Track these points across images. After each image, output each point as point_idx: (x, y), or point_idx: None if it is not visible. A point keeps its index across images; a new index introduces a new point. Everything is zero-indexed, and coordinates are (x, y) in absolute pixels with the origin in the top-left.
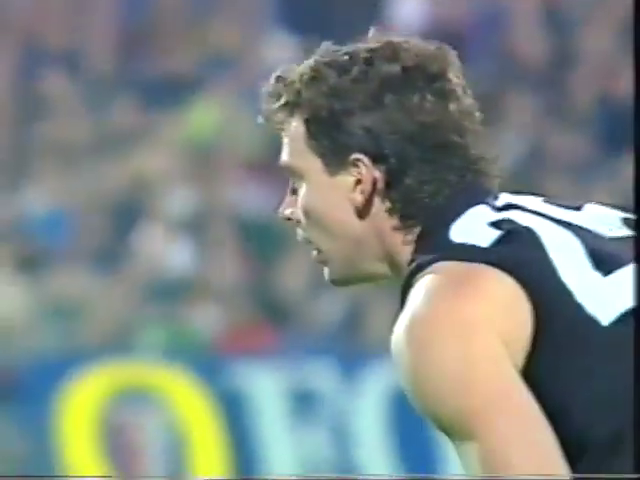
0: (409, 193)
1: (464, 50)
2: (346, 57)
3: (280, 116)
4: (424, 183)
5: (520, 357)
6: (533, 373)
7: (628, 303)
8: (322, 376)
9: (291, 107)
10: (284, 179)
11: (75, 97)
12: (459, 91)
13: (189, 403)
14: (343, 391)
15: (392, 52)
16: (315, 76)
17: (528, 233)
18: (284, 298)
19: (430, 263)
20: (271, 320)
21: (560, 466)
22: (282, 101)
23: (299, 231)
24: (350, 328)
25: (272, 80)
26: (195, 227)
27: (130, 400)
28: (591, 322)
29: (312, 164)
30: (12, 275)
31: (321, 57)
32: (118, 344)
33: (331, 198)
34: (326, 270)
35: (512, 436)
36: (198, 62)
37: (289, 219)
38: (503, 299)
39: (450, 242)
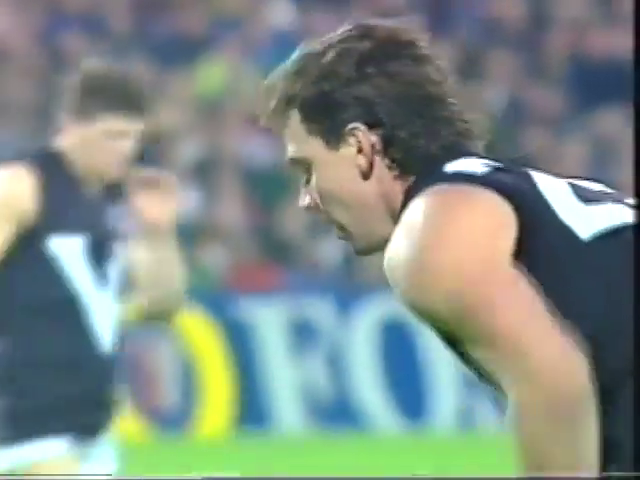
0: (405, 146)
1: (451, 14)
2: (321, 45)
3: (280, 119)
4: (417, 135)
5: None
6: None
7: (610, 223)
8: (320, 311)
9: (285, 104)
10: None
11: (94, 56)
12: (432, 56)
13: (200, 334)
14: (338, 325)
15: (364, 30)
16: (298, 69)
17: (520, 170)
18: (286, 240)
19: (426, 187)
20: (274, 260)
21: (555, 329)
22: (276, 101)
23: (322, 217)
24: (346, 268)
25: (263, 92)
26: (204, 175)
27: (146, 331)
28: (571, 236)
29: (315, 147)
30: None
31: (300, 52)
32: None
33: (339, 172)
34: (352, 244)
35: (511, 304)
36: (207, 25)
37: (309, 207)
38: (494, 213)
39: (445, 172)
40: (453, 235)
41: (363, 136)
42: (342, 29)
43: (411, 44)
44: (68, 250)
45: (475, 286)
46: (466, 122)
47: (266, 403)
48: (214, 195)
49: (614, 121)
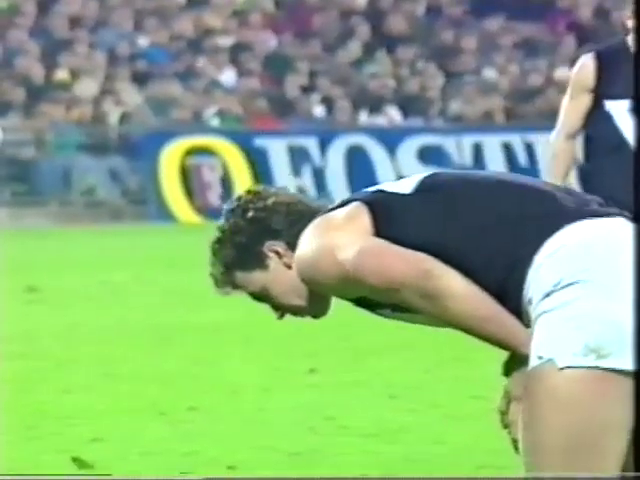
0: (292, 234)
1: None
2: (218, 230)
3: (230, 282)
4: (295, 225)
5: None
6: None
7: (416, 180)
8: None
9: (226, 275)
10: (291, 29)
11: None
12: (284, 191)
13: (234, 158)
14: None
15: (234, 201)
16: (215, 251)
17: (363, 191)
18: (289, 97)
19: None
20: (277, 111)
21: (404, 254)
22: (221, 277)
23: (279, 312)
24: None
25: (211, 277)
26: (235, 58)
27: (201, 156)
28: (401, 195)
29: (258, 278)
30: (131, 84)
31: (210, 246)
32: (193, 125)
33: (278, 278)
34: (312, 316)
35: (372, 259)
36: None
37: (282, 316)
38: (346, 215)
39: None
40: (319, 240)
41: (275, 247)
42: (223, 211)
43: (263, 189)
44: (618, 110)
45: (344, 263)
46: (317, 207)
47: None
48: (242, 73)
49: (496, 24)
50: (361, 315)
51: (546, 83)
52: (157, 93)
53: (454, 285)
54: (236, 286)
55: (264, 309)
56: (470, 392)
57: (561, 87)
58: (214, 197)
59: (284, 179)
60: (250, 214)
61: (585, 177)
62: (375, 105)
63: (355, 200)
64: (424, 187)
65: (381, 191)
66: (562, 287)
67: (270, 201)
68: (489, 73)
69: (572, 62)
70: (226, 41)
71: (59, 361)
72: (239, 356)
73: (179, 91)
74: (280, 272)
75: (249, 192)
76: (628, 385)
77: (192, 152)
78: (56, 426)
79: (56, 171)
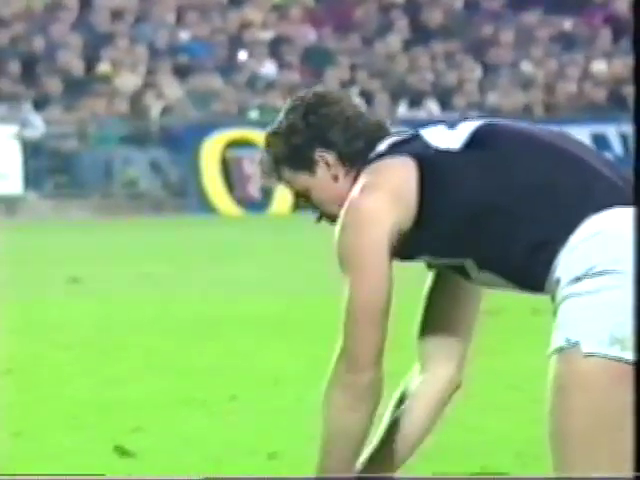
0: (345, 150)
1: None
2: (278, 122)
3: (277, 174)
4: (350, 142)
5: (412, 203)
6: (425, 195)
7: (468, 131)
8: None
9: (275, 165)
10: (330, 23)
11: None
12: (343, 97)
13: None
14: None
15: (298, 98)
16: (270, 142)
17: (410, 134)
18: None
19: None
20: None
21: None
22: (270, 165)
23: (316, 215)
24: None
25: (260, 163)
26: (275, 51)
27: (241, 148)
28: (448, 152)
29: (304, 179)
30: (172, 77)
31: (267, 132)
32: (234, 118)
33: (323, 185)
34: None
35: (364, 281)
36: None
37: (319, 218)
38: (398, 178)
39: (370, 158)
40: (354, 223)
41: (326, 157)
42: (285, 105)
43: (328, 94)
44: None
45: (349, 263)
46: (375, 125)
47: None
48: (282, 65)
49: (533, 17)
50: (400, 308)
51: (583, 76)
52: (198, 86)
53: (363, 405)
54: (281, 180)
55: (305, 300)
56: (505, 383)
57: (597, 80)
58: (254, 190)
59: None
60: (310, 118)
61: None
62: (414, 98)
63: (406, 153)
64: (474, 143)
65: (434, 149)
66: (594, 274)
67: (333, 110)
68: (526, 66)
69: (608, 55)
70: (266, 35)
71: (101, 352)
72: (280, 347)
73: (220, 84)
74: (325, 181)
75: (315, 94)
76: (632, 376)
77: (233, 145)
78: (98, 416)
79: (98, 163)
